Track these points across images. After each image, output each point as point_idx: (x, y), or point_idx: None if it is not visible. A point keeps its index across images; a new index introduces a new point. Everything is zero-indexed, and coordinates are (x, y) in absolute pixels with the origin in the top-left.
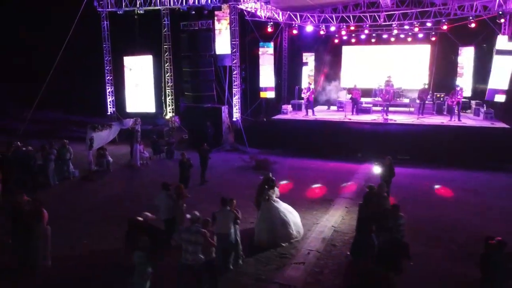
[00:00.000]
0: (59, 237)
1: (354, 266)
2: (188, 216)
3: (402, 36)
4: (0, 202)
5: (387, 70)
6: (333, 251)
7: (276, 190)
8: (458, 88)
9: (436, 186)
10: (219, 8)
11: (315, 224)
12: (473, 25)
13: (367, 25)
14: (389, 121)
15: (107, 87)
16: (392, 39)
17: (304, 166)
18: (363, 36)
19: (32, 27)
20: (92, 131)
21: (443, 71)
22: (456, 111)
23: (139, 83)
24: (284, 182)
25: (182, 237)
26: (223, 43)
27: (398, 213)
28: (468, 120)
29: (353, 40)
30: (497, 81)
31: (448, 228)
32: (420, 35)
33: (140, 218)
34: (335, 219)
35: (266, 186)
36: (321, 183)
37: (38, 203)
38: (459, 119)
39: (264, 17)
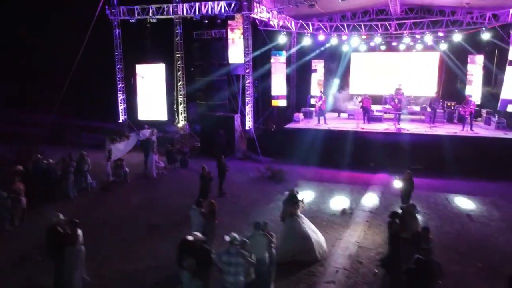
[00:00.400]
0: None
1: None
2: (226, 238)
3: (411, 43)
4: (25, 216)
5: (395, 77)
6: (360, 268)
7: (301, 205)
8: (470, 98)
9: (454, 198)
10: (232, 18)
11: (338, 239)
12: (487, 34)
13: (378, 34)
14: (402, 131)
15: (118, 94)
16: (402, 46)
17: (318, 175)
18: (372, 44)
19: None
20: (110, 143)
21: (452, 79)
22: (468, 120)
23: (152, 91)
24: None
25: (222, 260)
26: (236, 53)
27: (428, 235)
28: (480, 129)
29: (362, 48)
30: (509, 91)
31: (473, 244)
32: (430, 43)
33: (190, 238)
34: (358, 234)
35: (291, 202)
36: (338, 194)
37: (74, 225)
38: (471, 129)
39: (277, 26)
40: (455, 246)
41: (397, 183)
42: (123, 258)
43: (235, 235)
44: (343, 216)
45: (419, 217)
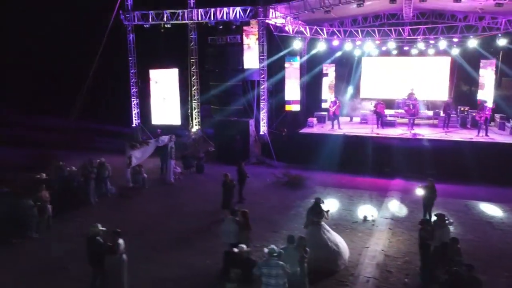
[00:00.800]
0: None
1: None
2: (265, 250)
3: (423, 48)
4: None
5: (406, 81)
6: (389, 277)
7: (325, 214)
8: (486, 104)
9: (474, 205)
10: (247, 23)
11: (364, 248)
12: (503, 40)
13: (391, 39)
14: (417, 136)
15: (132, 99)
16: (413, 51)
17: (335, 181)
18: (384, 48)
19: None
20: (130, 149)
21: (464, 84)
22: (483, 126)
23: (165, 96)
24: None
25: (263, 271)
26: (251, 58)
27: (457, 246)
28: (496, 135)
29: (373, 52)
30: None
31: (497, 253)
32: (442, 47)
33: (236, 250)
34: (383, 242)
35: (314, 211)
36: (357, 201)
37: (116, 234)
38: (486, 134)
39: (292, 31)
40: (479, 254)
41: (419, 191)
42: (150, 267)
43: (274, 247)
44: (365, 224)
45: (449, 227)
